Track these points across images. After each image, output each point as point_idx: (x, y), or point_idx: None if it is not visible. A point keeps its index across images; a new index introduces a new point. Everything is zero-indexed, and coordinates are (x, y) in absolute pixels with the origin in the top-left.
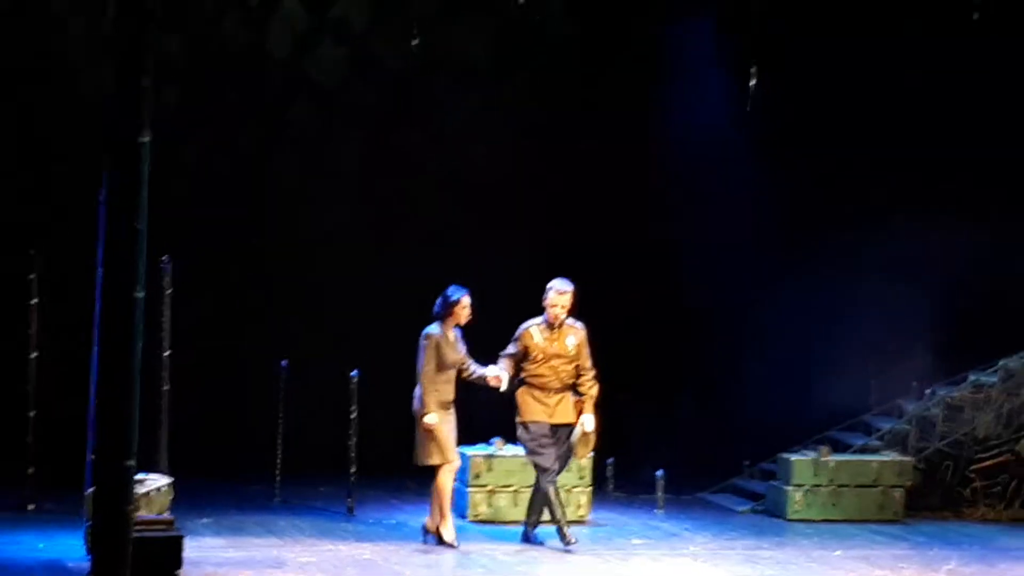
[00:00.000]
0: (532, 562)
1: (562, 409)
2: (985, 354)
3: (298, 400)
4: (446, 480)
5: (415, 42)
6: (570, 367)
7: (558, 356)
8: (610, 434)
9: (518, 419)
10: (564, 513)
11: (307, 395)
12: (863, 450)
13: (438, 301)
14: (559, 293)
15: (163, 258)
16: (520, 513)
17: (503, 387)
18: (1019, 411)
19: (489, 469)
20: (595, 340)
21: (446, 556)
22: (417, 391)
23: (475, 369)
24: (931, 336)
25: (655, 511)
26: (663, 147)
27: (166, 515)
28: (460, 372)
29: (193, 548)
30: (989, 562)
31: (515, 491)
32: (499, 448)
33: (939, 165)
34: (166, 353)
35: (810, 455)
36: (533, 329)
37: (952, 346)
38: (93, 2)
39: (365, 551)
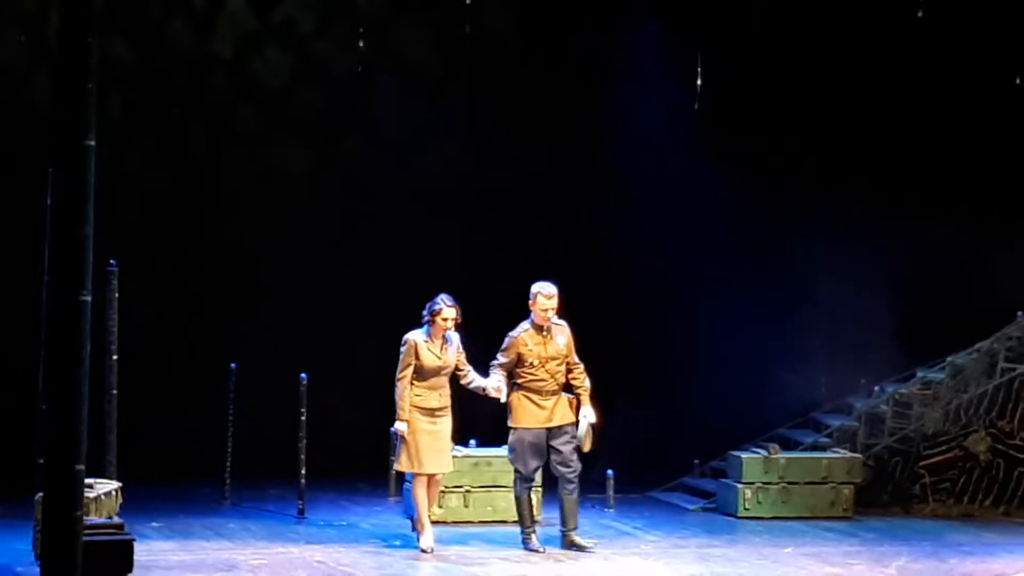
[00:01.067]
0: (484, 563)
1: (560, 410)
2: (933, 351)
3: (247, 403)
4: (417, 489)
5: (361, 44)
6: (563, 367)
7: (552, 358)
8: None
9: (510, 424)
10: (533, 522)
11: (256, 398)
12: (813, 448)
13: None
14: (547, 297)
15: (110, 262)
16: (472, 514)
17: (503, 398)
18: (967, 407)
19: None
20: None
21: (397, 558)
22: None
23: (474, 378)
24: (880, 334)
25: (606, 510)
26: (611, 146)
27: (115, 519)
28: (458, 379)
29: (143, 552)
30: (939, 558)
31: (466, 491)
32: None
33: (888, 165)
34: (114, 357)
35: (760, 453)
36: (524, 336)
37: (901, 343)
38: (37, 6)
39: (316, 553)
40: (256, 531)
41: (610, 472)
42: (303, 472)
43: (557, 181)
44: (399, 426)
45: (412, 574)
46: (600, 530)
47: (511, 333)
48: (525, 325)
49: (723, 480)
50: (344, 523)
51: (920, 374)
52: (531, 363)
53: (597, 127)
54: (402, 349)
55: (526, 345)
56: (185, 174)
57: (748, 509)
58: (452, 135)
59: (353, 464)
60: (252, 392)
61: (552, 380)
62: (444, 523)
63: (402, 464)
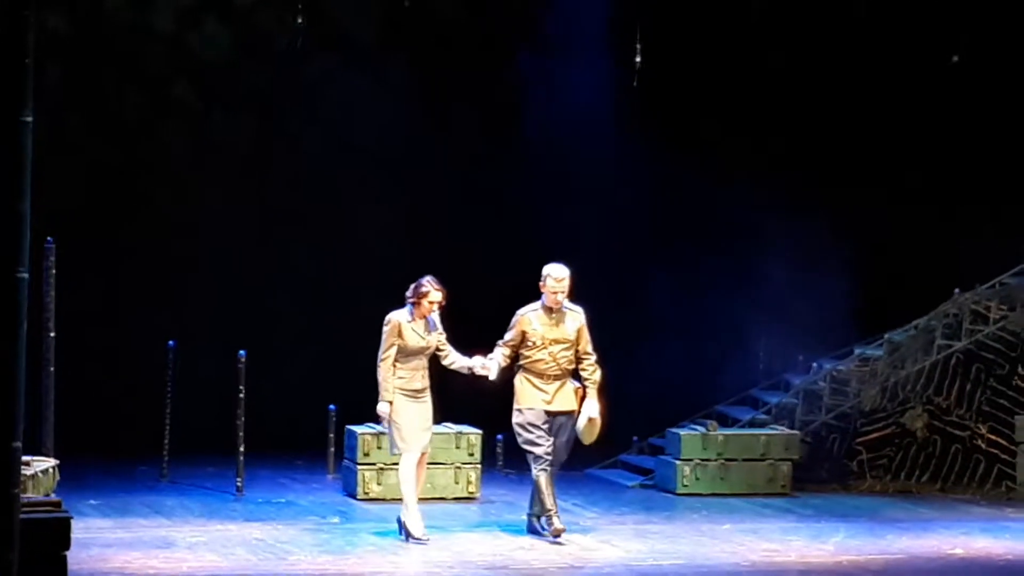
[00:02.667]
0: (422, 540)
1: (562, 396)
2: (871, 328)
3: (186, 380)
4: (409, 470)
5: (300, 20)
6: (569, 353)
7: (557, 342)
8: (500, 412)
9: (515, 405)
10: (555, 503)
11: (195, 375)
12: (751, 424)
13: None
14: (557, 280)
15: (47, 239)
16: None
17: (492, 376)
18: (904, 384)
19: (379, 447)
20: (487, 317)
21: (335, 535)
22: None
23: (456, 358)
24: (817, 310)
25: None
26: (546, 125)
27: (53, 497)
28: (439, 359)
29: (81, 530)
30: (876, 534)
31: None
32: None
33: (826, 144)
34: (51, 334)
35: (699, 430)
36: (531, 315)
37: (838, 320)
38: None
39: (255, 531)
40: (194, 508)
41: None
42: (242, 449)
43: (493, 153)
44: (382, 408)
45: (351, 551)
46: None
47: (519, 311)
48: (535, 305)
49: (661, 457)
50: (283, 500)
51: (858, 351)
52: (534, 343)
53: (536, 99)
54: (385, 329)
55: (531, 324)
56: (123, 149)
57: (686, 486)
58: (392, 107)
59: (292, 441)
60: (191, 369)
61: (555, 364)
62: (383, 500)
63: (399, 446)
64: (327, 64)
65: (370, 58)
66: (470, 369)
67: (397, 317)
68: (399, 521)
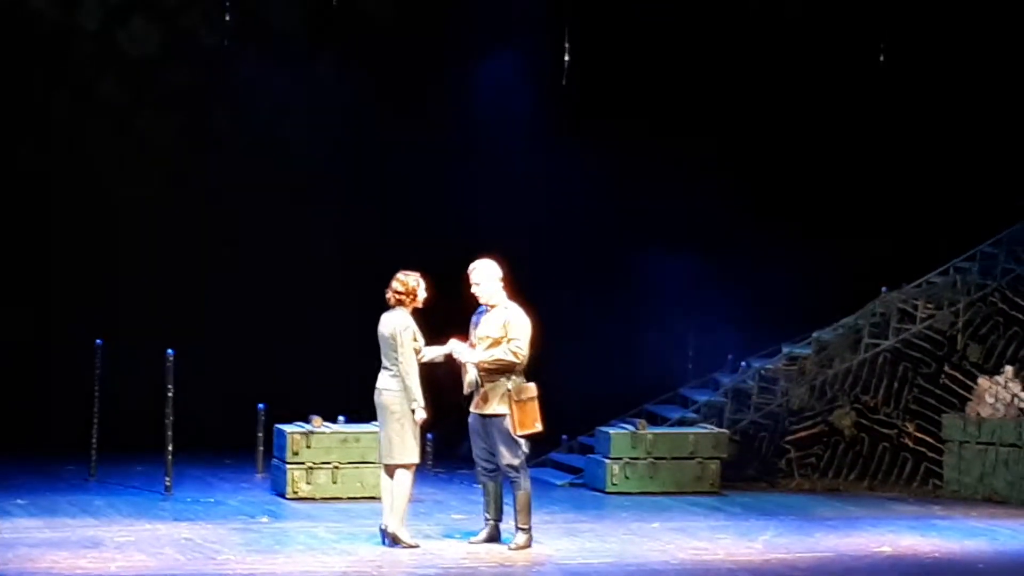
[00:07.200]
0: (351, 539)
1: (479, 398)
2: (798, 327)
3: (114, 379)
4: (410, 480)
5: (227, 18)
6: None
7: (481, 340)
8: (432, 411)
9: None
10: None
11: (123, 374)
12: (680, 423)
13: (394, 287)
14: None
15: None
16: (339, 490)
17: (469, 354)
18: (832, 382)
19: (308, 446)
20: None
21: (264, 534)
22: (391, 382)
23: (426, 351)
24: (745, 310)
25: (475, 486)
26: (478, 120)
27: None
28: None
29: (7, 529)
30: (805, 531)
31: (334, 467)
32: (317, 425)
33: (760, 143)
34: None
35: (628, 428)
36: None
37: (766, 319)
38: None
39: (184, 530)
40: (122, 508)
41: None
42: (170, 448)
43: (424, 152)
44: (423, 415)
45: (280, 551)
46: (468, 506)
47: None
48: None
49: (591, 456)
50: (212, 500)
51: (786, 349)
52: (471, 344)
53: (465, 98)
54: (404, 335)
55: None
56: (48, 146)
57: (616, 484)
58: (321, 105)
59: (221, 440)
60: (118, 368)
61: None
62: (312, 500)
63: (410, 455)
64: (255, 62)
65: (299, 56)
66: (448, 355)
67: (411, 322)
68: (382, 530)
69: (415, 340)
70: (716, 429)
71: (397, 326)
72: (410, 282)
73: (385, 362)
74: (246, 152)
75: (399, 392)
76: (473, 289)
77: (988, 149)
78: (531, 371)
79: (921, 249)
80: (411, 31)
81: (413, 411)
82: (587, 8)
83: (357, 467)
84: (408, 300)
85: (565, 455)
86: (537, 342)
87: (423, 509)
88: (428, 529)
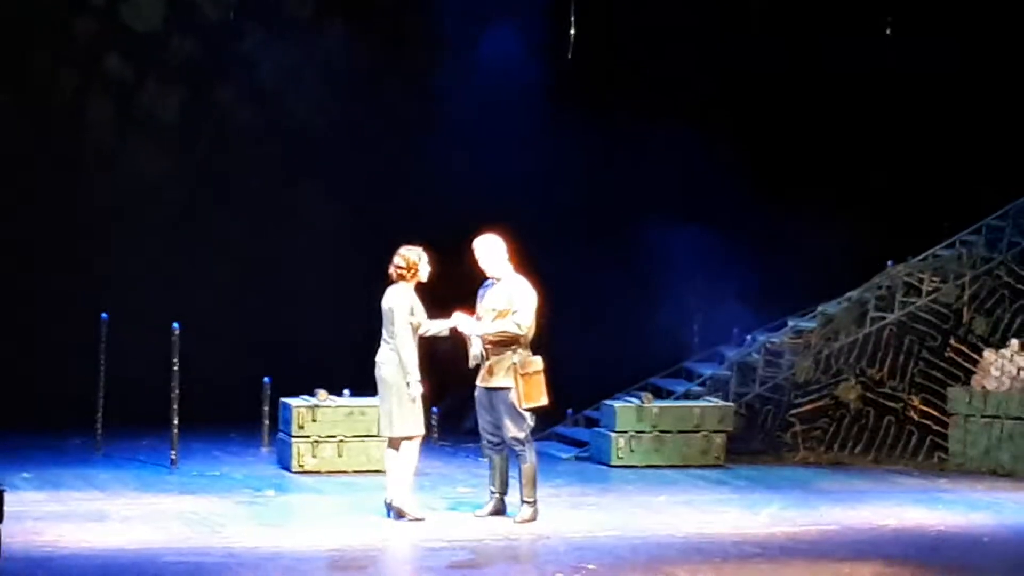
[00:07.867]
0: (355, 509)
1: (483, 372)
2: (804, 300)
3: (120, 353)
4: (416, 452)
5: None
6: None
7: (486, 312)
8: (435, 385)
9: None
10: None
11: (129, 347)
12: (685, 396)
13: (396, 261)
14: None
15: None
16: (345, 464)
17: (470, 325)
18: (837, 356)
19: (313, 420)
20: (422, 287)
21: (270, 508)
22: (391, 356)
23: (430, 326)
24: (751, 282)
25: (480, 459)
26: (484, 93)
27: None
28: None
29: (13, 503)
30: (810, 504)
31: (340, 441)
32: (322, 399)
33: (769, 115)
34: None
35: (633, 402)
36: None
37: (772, 292)
38: None
39: (189, 503)
40: (128, 481)
41: None
42: (176, 422)
43: (431, 125)
44: (418, 389)
45: (282, 523)
46: (474, 479)
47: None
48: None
49: (596, 429)
50: (217, 473)
51: (791, 323)
52: (477, 317)
53: (471, 71)
54: (399, 310)
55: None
56: (55, 121)
57: (621, 458)
58: (324, 79)
59: (226, 414)
60: (124, 342)
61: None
62: (318, 473)
63: (411, 427)
64: (259, 36)
65: (304, 30)
66: (452, 329)
67: (410, 296)
68: (387, 504)
69: (412, 315)
70: (722, 402)
71: (394, 301)
72: (411, 257)
73: (385, 335)
74: (251, 125)
75: (397, 365)
76: (479, 263)
77: (996, 122)
78: (537, 344)
79: (927, 223)
80: (418, 2)
81: (408, 384)
82: None
83: (363, 440)
84: (409, 275)
85: (570, 429)
86: (543, 315)
87: (429, 482)
88: (434, 502)
